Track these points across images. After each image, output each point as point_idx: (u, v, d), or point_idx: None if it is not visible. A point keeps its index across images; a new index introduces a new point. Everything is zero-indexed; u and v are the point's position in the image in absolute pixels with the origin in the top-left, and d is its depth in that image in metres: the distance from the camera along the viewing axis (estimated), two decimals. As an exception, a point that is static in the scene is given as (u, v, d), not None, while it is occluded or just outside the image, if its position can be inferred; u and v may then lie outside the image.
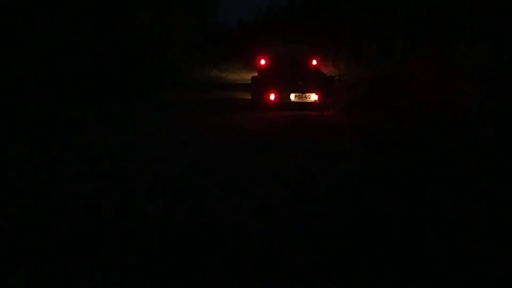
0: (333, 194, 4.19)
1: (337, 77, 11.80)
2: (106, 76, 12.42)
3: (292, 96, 9.99)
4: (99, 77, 11.90)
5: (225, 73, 25.40)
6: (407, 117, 8.68)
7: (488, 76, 9.69)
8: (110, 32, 14.09)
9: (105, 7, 13.69)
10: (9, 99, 8.65)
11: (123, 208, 3.79)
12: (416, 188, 4.41)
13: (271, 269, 2.79)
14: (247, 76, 15.15)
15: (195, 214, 3.68)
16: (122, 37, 15.49)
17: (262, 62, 10.41)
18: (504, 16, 10.82)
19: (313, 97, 10.07)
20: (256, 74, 10.97)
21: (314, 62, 10.54)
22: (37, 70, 9.75)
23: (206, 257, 2.93)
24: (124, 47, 15.46)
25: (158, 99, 12.67)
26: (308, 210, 3.78)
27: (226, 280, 2.67)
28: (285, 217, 3.62)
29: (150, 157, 5.68)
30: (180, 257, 2.94)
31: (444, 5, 14.77)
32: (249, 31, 55.05)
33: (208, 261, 2.88)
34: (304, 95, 10.04)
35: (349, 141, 6.80)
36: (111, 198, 4.05)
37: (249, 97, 11.05)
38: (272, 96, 9.95)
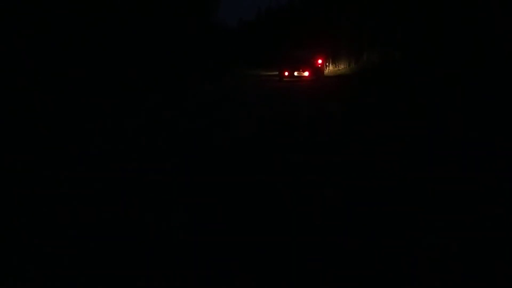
0: (300, 96, 14.92)
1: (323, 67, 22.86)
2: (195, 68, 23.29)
3: (296, 73, 20.82)
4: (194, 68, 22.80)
5: (247, 70, 35.53)
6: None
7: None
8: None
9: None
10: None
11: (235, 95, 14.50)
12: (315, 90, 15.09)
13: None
14: (266, 73, 25.77)
15: (264, 98, 14.34)
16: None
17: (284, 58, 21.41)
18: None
19: (306, 74, 20.87)
20: (280, 64, 21.67)
21: (320, 61, 21.38)
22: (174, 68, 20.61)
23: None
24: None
25: (225, 81, 23.37)
26: (294, 96, 14.49)
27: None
28: (288, 95, 14.30)
29: (243, 92, 16.42)
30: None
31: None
32: (251, 32, 59.04)
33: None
34: (302, 73, 20.83)
35: (312, 89, 17.55)
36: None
37: (276, 78, 21.86)
38: (286, 73, 20.86)
